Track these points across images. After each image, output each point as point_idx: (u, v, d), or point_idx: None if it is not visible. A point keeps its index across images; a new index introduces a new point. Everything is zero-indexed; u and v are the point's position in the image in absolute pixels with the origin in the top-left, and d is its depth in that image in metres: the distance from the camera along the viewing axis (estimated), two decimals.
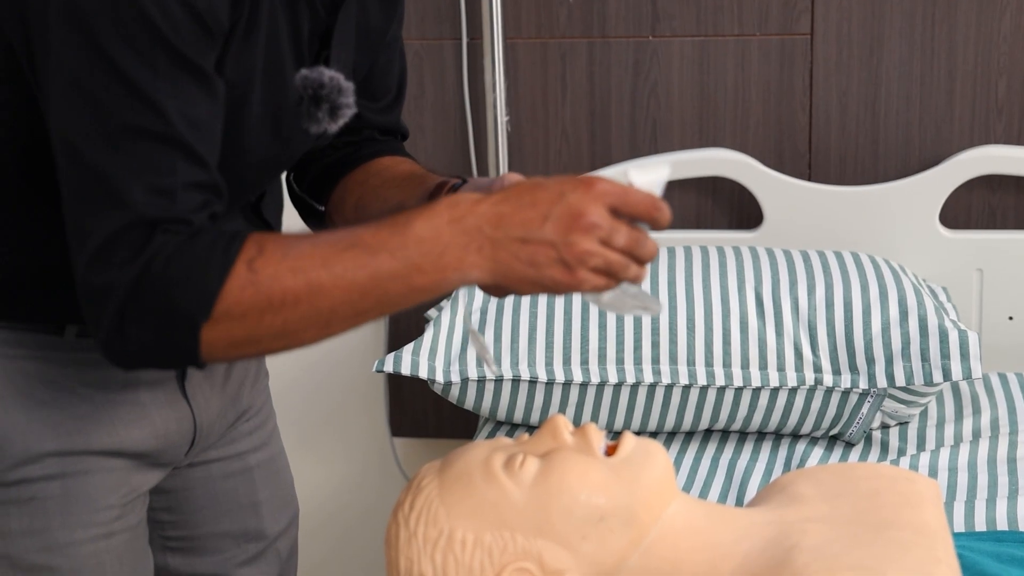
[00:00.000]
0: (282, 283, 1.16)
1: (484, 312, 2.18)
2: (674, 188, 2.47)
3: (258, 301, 1.16)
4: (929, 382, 2.06)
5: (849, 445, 2.16)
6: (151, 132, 1.17)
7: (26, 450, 1.37)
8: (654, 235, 1.21)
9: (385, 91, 1.55)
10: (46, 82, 1.20)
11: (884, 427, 2.17)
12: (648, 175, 1.20)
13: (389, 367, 2.14)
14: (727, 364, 2.10)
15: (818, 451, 2.14)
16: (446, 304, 2.24)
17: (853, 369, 2.09)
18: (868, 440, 2.16)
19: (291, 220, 1.56)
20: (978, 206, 2.42)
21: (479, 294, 2.22)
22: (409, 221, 1.17)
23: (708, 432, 2.21)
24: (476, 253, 1.17)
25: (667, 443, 2.18)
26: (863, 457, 2.12)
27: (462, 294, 2.20)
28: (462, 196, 1.19)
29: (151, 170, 1.17)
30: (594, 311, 2.16)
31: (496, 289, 1.21)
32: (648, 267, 1.22)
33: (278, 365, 2.61)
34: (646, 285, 2.19)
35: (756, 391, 2.10)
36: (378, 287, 1.17)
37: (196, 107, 1.20)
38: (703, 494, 2.01)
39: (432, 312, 2.26)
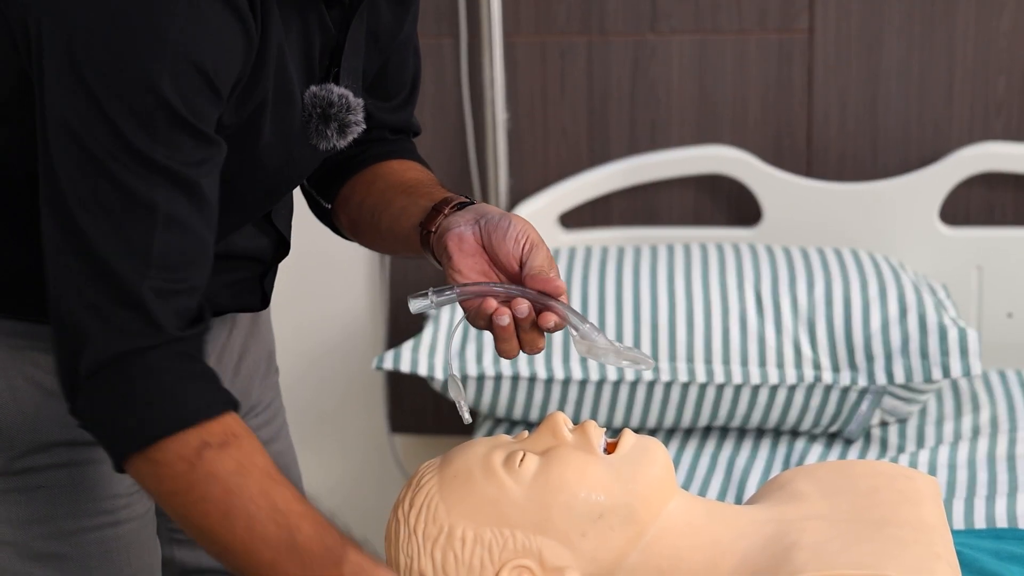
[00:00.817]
0: (210, 491, 1.17)
1: None
2: (673, 185, 2.47)
3: (178, 485, 1.18)
4: (928, 379, 2.06)
5: (848, 442, 2.16)
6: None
7: (35, 439, 1.37)
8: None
9: (398, 89, 1.54)
10: (43, 130, 1.20)
11: (883, 424, 2.17)
12: None
13: (388, 364, 2.14)
14: (726, 361, 2.10)
15: (817, 448, 2.15)
16: None
17: (852, 366, 2.09)
18: (867, 437, 2.16)
19: (299, 211, 1.56)
20: (977, 203, 2.42)
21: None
22: (341, 561, 1.17)
23: (707, 429, 2.21)
24: None
25: (666, 440, 2.18)
26: (862, 454, 2.12)
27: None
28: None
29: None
30: (593, 307, 2.16)
31: None
32: None
33: (277, 362, 2.61)
34: (645, 281, 2.19)
35: (755, 388, 2.10)
36: (277, 569, 1.17)
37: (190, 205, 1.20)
38: (702, 491, 2.01)
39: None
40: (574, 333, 1.30)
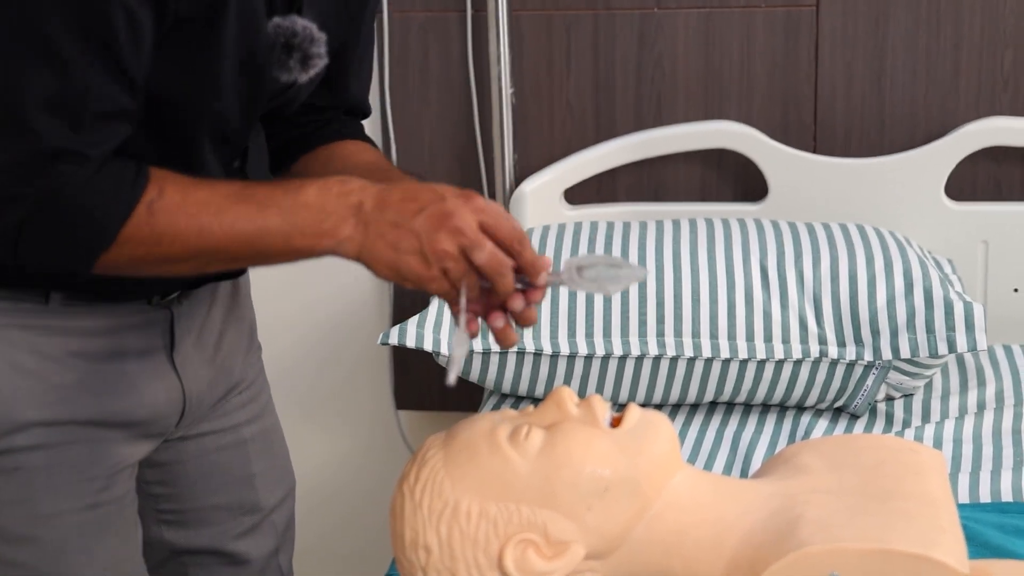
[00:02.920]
0: (176, 225, 1.25)
1: None
2: (679, 161, 2.47)
3: (151, 238, 1.25)
4: (934, 354, 2.06)
5: (854, 417, 2.16)
6: (69, 56, 1.19)
7: (11, 419, 1.36)
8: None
9: (359, 66, 1.56)
10: None
11: (889, 399, 2.17)
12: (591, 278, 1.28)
13: (394, 339, 2.14)
14: (732, 336, 2.10)
15: (823, 423, 2.15)
16: None
17: (858, 341, 2.09)
18: (873, 412, 2.17)
19: None
20: (983, 178, 2.41)
21: None
22: (302, 186, 1.27)
23: (713, 404, 2.21)
24: (352, 227, 1.26)
25: (672, 415, 2.18)
26: (868, 429, 2.13)
27: None
28: (355, 178, 1.28)
29: (60, 93, 1.20)
30: None
31: (367, 266, 1.30)
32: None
33: (282, 339, 2.62)
34: (651, 256, 2.19)
35: (761, 363, 2.10)
36: (261, 240, 1.27)
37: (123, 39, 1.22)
38: (708, 466, 2.02)
39: None
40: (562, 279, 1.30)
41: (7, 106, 1.19)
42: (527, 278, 1.29)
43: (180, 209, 1.25)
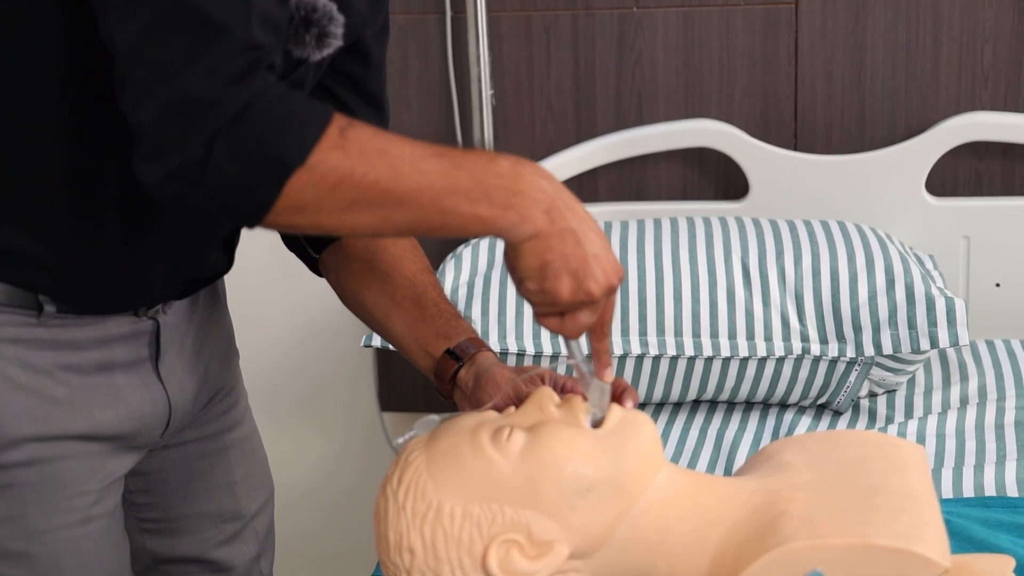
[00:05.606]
0: (367, 158, 1.17)
1: (471, 285, 2.18)
2: (660, 160, 2.47)
3: (342, 166, 1.17)
4: (916, 350, 2.07)
5: (837, 414, 2.17)
6: None
7: (4, 435, 1.35)
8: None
9: (380, 95, 1.55)
10: None
11: (872, 395, 2.17)
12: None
13: (377, 342, 2.14)
14: (714, 334, 2.10)
15: (806, 420, 2.15)
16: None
17: (840, 338, 2.09)
18: (856, 408, 2.17)
19: None
20: (964, 173, 2.42)
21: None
22: (496, 157, 1.21)
23: (696, 402, 2.21)
24: (542, 214, 1.20)
25: (655, 414, 2.18)
26: (851, 425, 2.13)
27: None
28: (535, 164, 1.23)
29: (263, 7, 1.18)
30: None
31: (518, 251, 1.23)
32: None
33: (266, 341, 2.61)
34: (632, 255, 2.19)
35: (743, 361, 2.10)
36: (449, 199, 1.19)
37: None
38: (691, 464, 2.02)
39: None
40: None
41: (235, 15, 1.15)
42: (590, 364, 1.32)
43: (372, 142, 1.18)
